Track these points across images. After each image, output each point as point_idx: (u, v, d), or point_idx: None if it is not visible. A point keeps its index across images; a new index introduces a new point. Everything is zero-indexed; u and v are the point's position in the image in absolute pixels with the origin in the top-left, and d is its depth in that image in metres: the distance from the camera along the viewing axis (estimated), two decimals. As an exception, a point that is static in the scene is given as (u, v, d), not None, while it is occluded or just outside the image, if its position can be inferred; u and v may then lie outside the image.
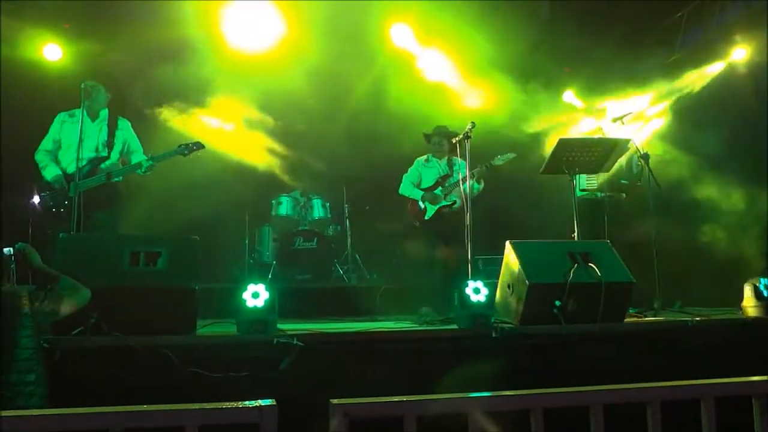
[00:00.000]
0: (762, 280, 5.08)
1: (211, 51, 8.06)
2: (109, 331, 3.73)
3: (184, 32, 7.73)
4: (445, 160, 6.91)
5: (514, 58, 8.33)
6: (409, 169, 7.05)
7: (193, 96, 8.77)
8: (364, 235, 8.86)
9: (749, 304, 5.10)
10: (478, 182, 6.55)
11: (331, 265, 8.37)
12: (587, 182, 6.35)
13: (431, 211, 6.73)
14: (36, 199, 5.82)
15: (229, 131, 9.05)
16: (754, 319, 4.99)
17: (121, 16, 8.25)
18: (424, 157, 7.03)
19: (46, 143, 5.87)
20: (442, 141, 6.82)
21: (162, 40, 7.82)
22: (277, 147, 9.13)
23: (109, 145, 5.88)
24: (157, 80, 8.64)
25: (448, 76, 8.93)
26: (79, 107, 5.68)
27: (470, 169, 5.99)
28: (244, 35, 8.09)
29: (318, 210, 8.74)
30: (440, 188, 6.78)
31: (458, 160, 6.38)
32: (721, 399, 2.16)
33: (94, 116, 5.89)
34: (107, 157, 5.85)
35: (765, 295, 5.03)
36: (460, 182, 6.24)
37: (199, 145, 6.02)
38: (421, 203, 6.79)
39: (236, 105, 8.82)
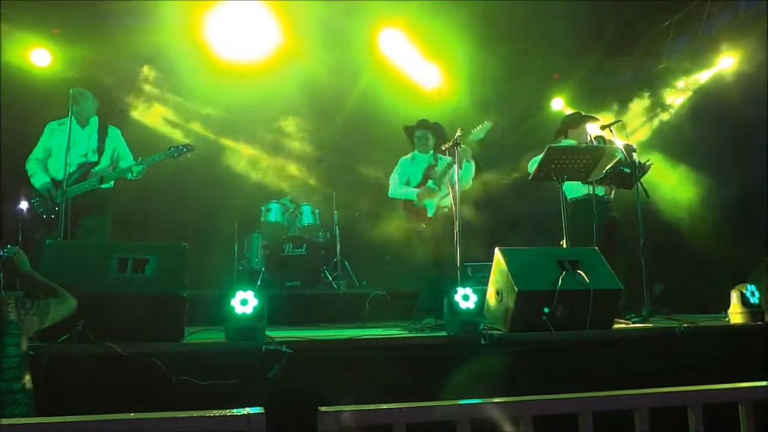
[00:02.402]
0: (749, 286, 5.11)
1: (200, 58, 8.06)
2: (97, 338, 3.70)
3: (174, 39, 7.73)
4: (430, 154, 6.38)
5: (504, 64, 8.38)
6: (395, 170, 6.45)
7: (182, 102, 8.79)
8: (353, 242, 8.86)
9: (736, 311, 5.13)
10: (469, 161, 5.99)
11: (321, 272, 8.35)
12: None
13: (432, 207, 6.10)
14: (25, 206, 5.77)
15: (218, 137, 9.07)
16: (741, 326, 5.03)
17: (112, 22, 8.23)
18: (409, 155, 6.48)
19: (37, 152, 5.82)
20: (426, 134, 6.35)
21: (152, 46, 7.82)
22: (269, 153, 9.16)
23: (99, 151, 5.84)
24: (146, 86, 8.66)
25: (439, 81, 8.98)
26: (68, 115, 5.65)
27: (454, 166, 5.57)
28: (233, 42, 8.09)
29: (307, 217, 8.74)
30: (431, 180, 6.16)
31: (444, 157, 6.06)
32: (708, 405, 2.17)
33: (83, 123, 5.85)
34: (97, 163, 5.82)
35: (752, 301, 5.07)
36: (447, 169, 5.79)
37: (188, 147, 5.98)
38: (416, 201, 6.15)
39: (225, 111, 8.84)
